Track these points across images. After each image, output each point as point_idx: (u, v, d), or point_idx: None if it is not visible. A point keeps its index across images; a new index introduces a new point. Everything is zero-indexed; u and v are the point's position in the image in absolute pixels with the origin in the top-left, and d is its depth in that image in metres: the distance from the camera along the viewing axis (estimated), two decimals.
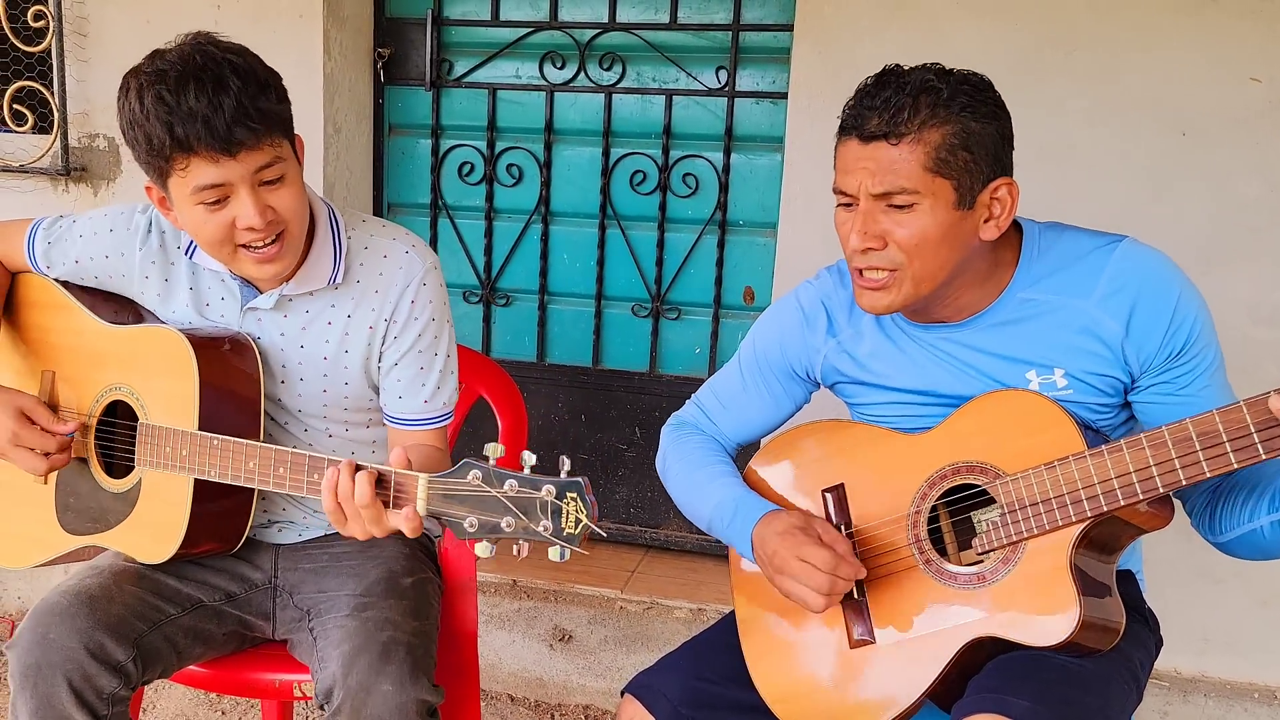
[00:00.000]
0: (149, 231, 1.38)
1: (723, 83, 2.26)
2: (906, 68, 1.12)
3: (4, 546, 1.48)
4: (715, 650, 1.31)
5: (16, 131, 2.41)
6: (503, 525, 1.03)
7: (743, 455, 1.40)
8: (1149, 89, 1.90)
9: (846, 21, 2.01)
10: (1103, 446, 1.07)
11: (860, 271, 1.15)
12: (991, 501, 1.17)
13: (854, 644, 1.20)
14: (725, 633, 1.33)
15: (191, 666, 1.39)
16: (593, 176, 2.37)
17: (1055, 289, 1.15)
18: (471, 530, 1.04)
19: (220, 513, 1.32)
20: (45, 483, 1.41)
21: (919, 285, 1.13)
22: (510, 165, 2.42)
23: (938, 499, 1.19)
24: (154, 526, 1.32)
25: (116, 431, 1.40)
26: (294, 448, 1.24)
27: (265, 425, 1.34)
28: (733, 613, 1.34)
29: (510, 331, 2.51)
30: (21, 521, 1.45)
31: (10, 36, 2.38)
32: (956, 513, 1.21)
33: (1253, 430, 0.98)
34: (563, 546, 1.01)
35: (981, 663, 1.15)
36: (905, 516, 1.20)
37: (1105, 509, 1.07)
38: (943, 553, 1.19)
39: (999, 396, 1.16)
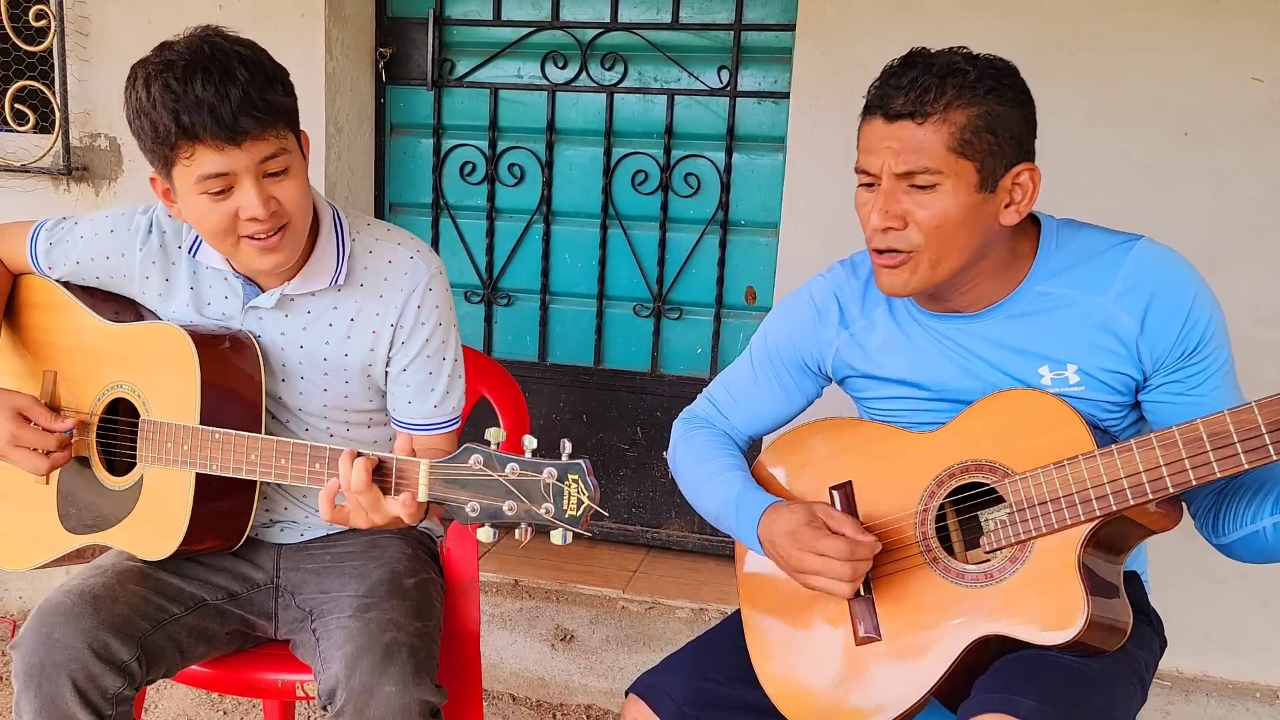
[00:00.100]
0: (149, 232, 1.38)
1: (724, 82, 2.25)
2: (933, 50, 1.12)
3: (5, 548, 1.48)
4: (720, 650, 1.31)
5: (18, 131, 2.41)
6: (504, 509, 1.03)
7: (751, 451, 1.40)
8: (1151, 89, 1.90)
9: (849, 21, 2.01)
10: (1112, 446, 1.07)
11: (879, 252, 1.15)
12: (999, 501, 1.17)
13: (859, 641, 1.20)
14: (730, 632, 1.33)
15: (194, 666, 1.39)
16: (594, 176, 2.37)
17: (1072, 284, 1.15)
18: (473, 515, 1.04)
19: (222, 509, 1.32)
20: (46, 483, 1.41)
21: (937, 267, 1.13)
22: (512, 165, 2.42)
23: (945, 497, 1.19)
24: (156, 523, 1.32)
25: (118, 429, 1.40)
26: None
27: (266, 423, 1.34)
28: (737, 612, 1.34)
29: (512, 331, 2.51)
30: (22, 522, 1.45)
31: (12, 36, 2.38)
32: (964, 512, 1.21)
33: (1264, 431, 0.98)
34: (565, 529, 1.01)
35: (987, 662, 1.15)
36: (913, 514, 1.20)
37: (1114, 508, 1.07)
38: (950, 551, 1.19)
39: (1008, 395, 1.16)
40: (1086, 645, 1.09)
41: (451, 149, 2.44)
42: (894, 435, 1.25)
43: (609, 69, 2.32)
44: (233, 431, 1.25)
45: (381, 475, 1.12)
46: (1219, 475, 1.01)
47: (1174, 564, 1.63)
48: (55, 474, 1.41)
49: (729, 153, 2.28)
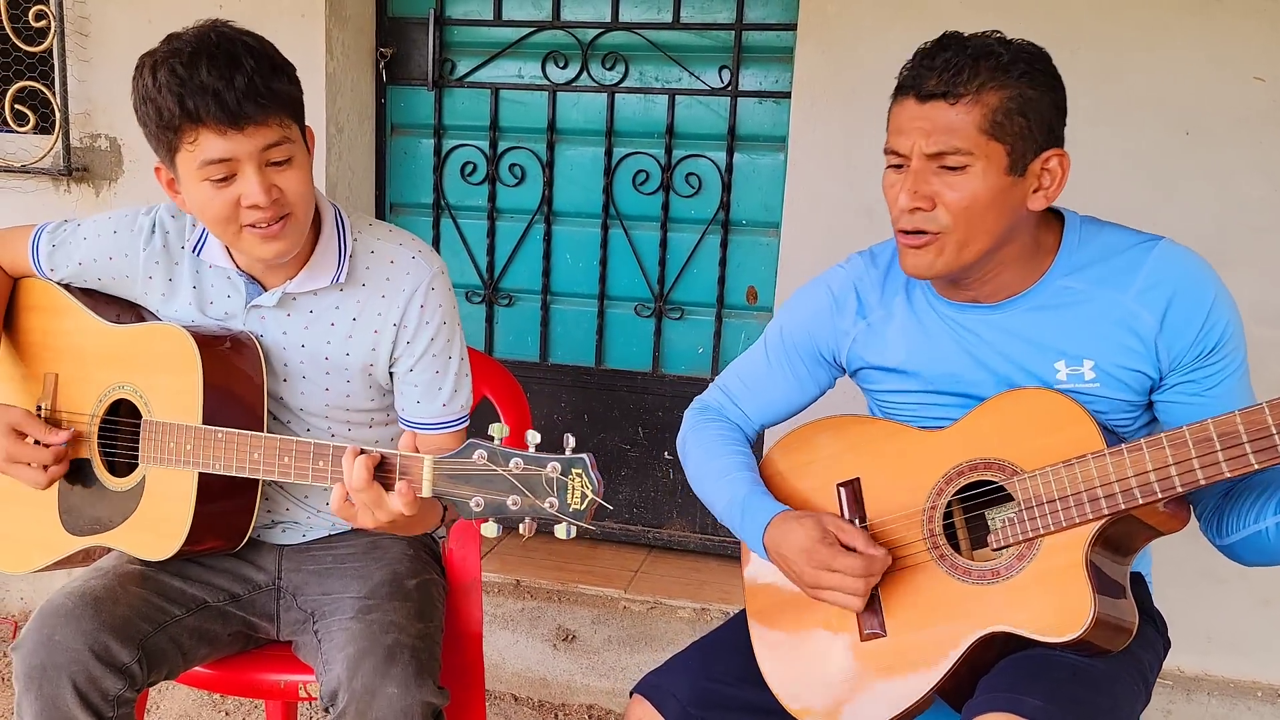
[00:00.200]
0: (152, 232, 1.38)
1: (726, 82, 2.25)
2: (966, 34, 1.12)
3: (6, 550, 1.48)
4: (725, 650, 1.31)
5: (18, 132, 2.41)
6: (508, 503, 1.03)
7: (759, 448, 1.40)
8: (1152, 88, 1.90)
9: (850, 21, 2.01)
10: (1122, 445, 1.07)
11: (905, 233, 1.15)
12: (1006, 500, 1.16)
13: (865, 637, 1.20)
14: (734, 632, 1.33)
15: (196, 667, 1.39)
16: (595, 176, 2.37)
17: (1094, 280, 1.15)
18: (477, 510, 1.05)
19: (224, 509, 1.32)
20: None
21: (964, 250, 1.13)
22: (513, 165, 2.41)
23: (953, 495, 1.19)
24: (158, 523, 1.32)
25: (119, 430, 1.40)
26: None
27: (268, 423, 1.34)
28: (742, 612, 1.34)
29: (513, 331, 2.51)
30: (23, 525, 1.44)
31: (11, 36, 2.37)
32: (972, 510, 1.21)
33: (1274, 432, 0.98)
34: (569, 523, 1.01)
35: (992, 660, 1.15)
36: (920, 511, 1.20)
37: (1123, 507, 1.07)
38: (956, 549, 1.19)
39: (1017, 394, 1.16)
40: (1092, 644, 1.09)
41: (452, 149, 2.44)
42: (902, 433, 1.25)
43: (610, 69, 2.31)
44: (236, 431, 1.25)
45: (385, 472, 1.12)
46: (1228, 475, 1.01)
47: (1176, 564, 1.63)
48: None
49: (730, 152, 2.28)
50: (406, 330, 1.34)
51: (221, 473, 1.25)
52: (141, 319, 1.41)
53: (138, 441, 1.34)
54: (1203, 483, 1.02)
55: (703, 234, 2.33)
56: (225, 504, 1.32)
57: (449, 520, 1.45)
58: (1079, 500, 1.09)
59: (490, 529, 1.04)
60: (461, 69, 2.41)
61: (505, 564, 2.34)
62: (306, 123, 1.28)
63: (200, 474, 1.28)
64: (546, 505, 1.02)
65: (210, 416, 1.27)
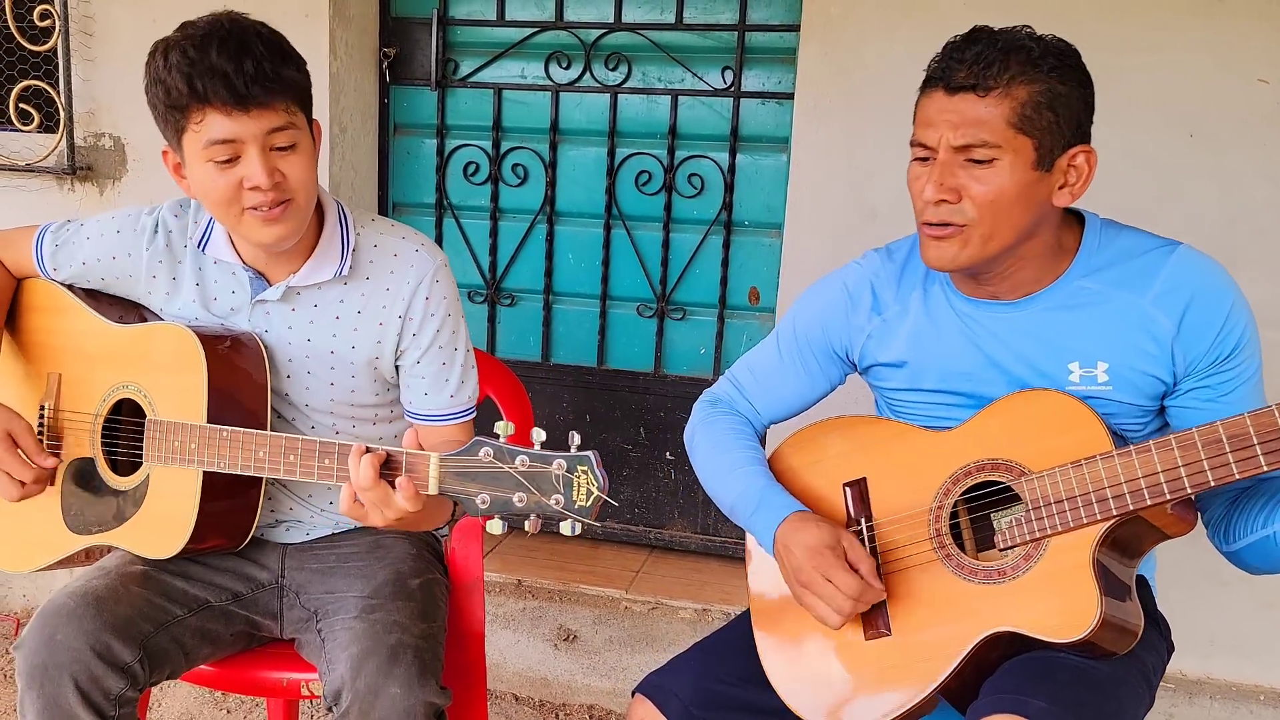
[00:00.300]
0: (155, 231, 1.38)
1: (728, 83, 2.25)
2: (996, 28, 1.12)
3: (8, 550, 1.48)
4: (728, 651, 1.31)
5: (22, 130, 2.41)
6: (515, 500, 1.04)
7: (769, 443, 1.40)
8: (1156, 90, 1.90)
9: (854, 22, 2.01)
10: (1130, 447, 1.07)
11: (929, 225, 1.14)
12: (1013, 502, 1.16)
13: (869, 636, 1.20)
14: (737, 633, 1.33)
15: (199, 666, 1.39)
16: (598, 176, 2.37)
17: (1112, 282, 1.15)
18: (484, 507, 1.05)
19: (228, 508, 1.32)
20: (53, 482, 1.41)
21: (988, 243, 1.12)
22: (515, 165, 2.42)
23: (961, 495, 1.19)
24: (162, 522, 1.32)
25: (123, 430, 1.40)
26: None
27: (272, 421, 1.34)
28: (745, 613, 1.34)
29: (515, 331, 2.51)
30: (26, 524, 1.44)
31: (16, 35, 2.38)
32: (980, 510, 1.21)
33: None
34: (574, 519, 1.02)
35: (997, 660, 1.15)
36: (927, 511, 1.20)
37: (1131, 508, 1.06)
38: (962, 549, 1.19)
39: (1027, 396, 1.16)
40: (1097, 646, 1.09)
41: (455, 149, 2.44)
42: (910, 433, 1.25)
43: (613, 69, 2.31)
44: (241, 429, 1.25)
45: (391, 470, 1.13)
46: (1238, 477, 1.01)
47: (1179, 566, 1.63)
48: (60, 476, 1.41)
49: (733, 153, 2.28)
50: (412, 323, 1.35)
51: (226, 471, 1.26)
52: (144, 319, 1.42)
53: (141, 441, 1.35)
54: (1212, 484, 1.02)
55: (705, 234, 2.33)
56: (229, 502, 1.32)
57: (458, 516, 1.46)
58: (1087, 501, 1.09)
59: (496, 526, 1.05)
60: (464, 69, 2.41)
61: (507, 564, 2.34)
62: (315, 109, 1.29)
63: (205, 472, 1.28)
64: (552, 502, 1.02)
65: (215, 415, 1.28)
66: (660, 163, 2.32)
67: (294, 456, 1.21)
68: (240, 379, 1.31)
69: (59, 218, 1.47)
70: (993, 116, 1.08)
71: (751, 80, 2.26)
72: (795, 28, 2.15)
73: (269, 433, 1.24)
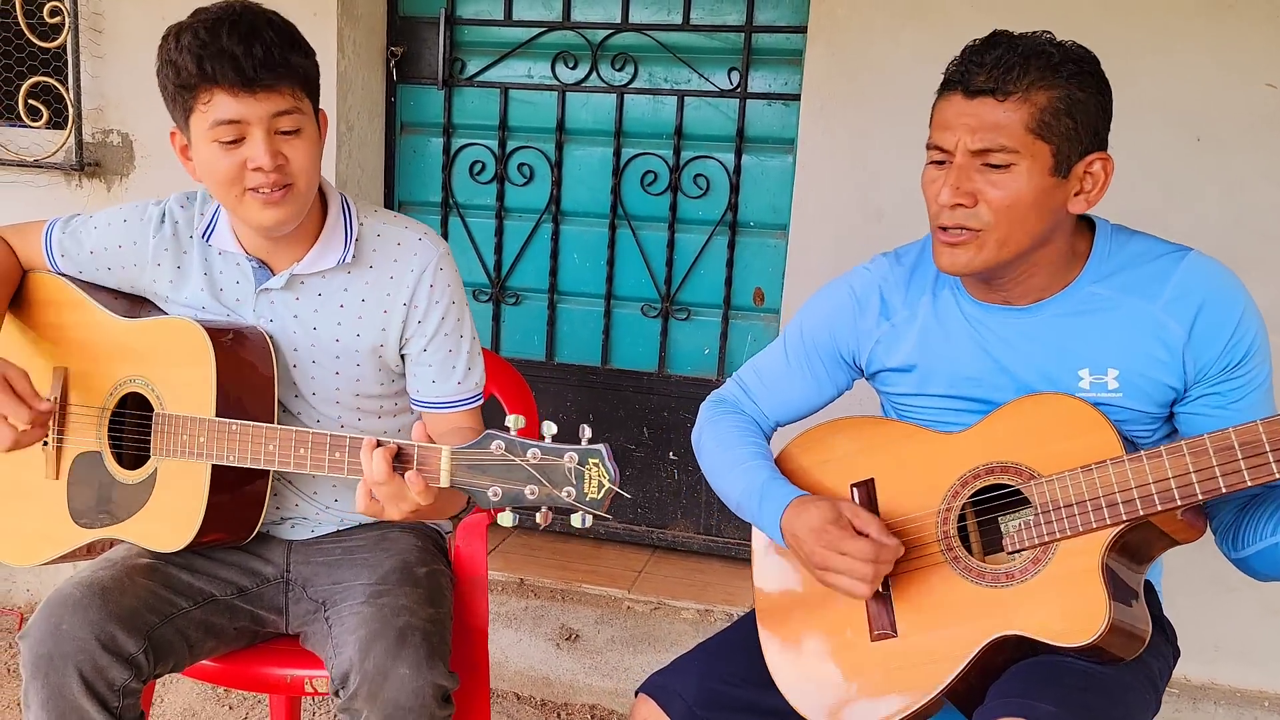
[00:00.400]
0: (162, 221, 1.40)
1: (734, 84, 2.26)
2: (1016, 32, 1.12)
3: (13, 544, 1.48)
4: (731, 651, 1.30)
5: (31, 127, 2.43)
6: (526, 493, 1.04)
7: (775, 446, 1.40)
8: (1163, 94, 1.90)
9: (860, 23, 2.01)
10: (1141, 452, 1.07)
11: (944, 229, 1.14)
12: (1021, 505, 1.16)
13: (875, 638, 1.20)
14: (741, 633, 1.33)
15: (203, 661, 1.39)
16: (604, 176, 2.37)
17: (1123, 288, 1.15)
18: (495, 499, 1.06)
19: (236, 501, 1.32)
20: (56, 477, 1.41)
21: (1002, 249, 1.12)
22: (521, 164, 2.42)
23: (969, 498, 1.19)
24: (170, 515, 1.33)
25: (131, 423, 1.41)
26: None
27: (278, 415, 1.34)
28: (750, 614, 1.34)
29: (520, 330, 2.51)
30: (31, 518, 1.45)
31: (26, 32, 2.39)
32: (986, 513, 1.20)
33: None
34: (585, 512, 1.03)
35: (1003, 664, 1.15)
36: (935, 513, 1.19)
37: (1141, 513, 1.06)
38: (970, 552, 1.19)
39: (1036, 399, 1.16)
40: (1105, 651, 1.09)
41: (461, 148, 2.45)
42: (919, 434, 1.25)
43: (619, 69, 2.32)
44: (250, 423, 1.25)
45: (403, 463, 1.13)
46: (1250, 484, 1.01)
47: (1184, 571, 1.63)
48: (65, 469, 1.42)
49: (738, 154, 2.28)
50: (417, 310, 1.36)
51: (236, 464, 1.26)
52: (151, 314, 1.42)
53: (147, 434, 1.35)
54: (1224, 491, 1.02)
55: (710, 235, 2.33)
56: (237, 496, 1.32)
57: (471, 507, 1.46)
58: (1096, 506, 1.08)
59: (507, 518, 1.06)
60: (471, 68, 2.41)
61: (509, 562, 2.34)
62: (321, 106, 1.31)
63: (213, 466, 1.28)
64: (564, 494, 1.03)
65: (223, 409, 1.28)
66: (666, 163, 2.32)
67: (304, 450, 1.21)
68: (248, 373, 1.32)
69: (67, 213, 1.48)
70: (1011, 121, 1.07)
71: (757, 81, 2.26)
72: (802, 29, 2.15)
73: (279, 426, 1.24)
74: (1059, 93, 1.08)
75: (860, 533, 1.16)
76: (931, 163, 1.15)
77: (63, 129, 2.41)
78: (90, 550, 1.44)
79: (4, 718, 2.16)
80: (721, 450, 1.34)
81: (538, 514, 1.05)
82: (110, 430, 1.40)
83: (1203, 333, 1.11)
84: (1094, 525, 1.08)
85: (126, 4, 2.34)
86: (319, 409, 1.41)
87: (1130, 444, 1.13)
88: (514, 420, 1.06)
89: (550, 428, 1.04)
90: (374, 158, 2.47)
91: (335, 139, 2.30)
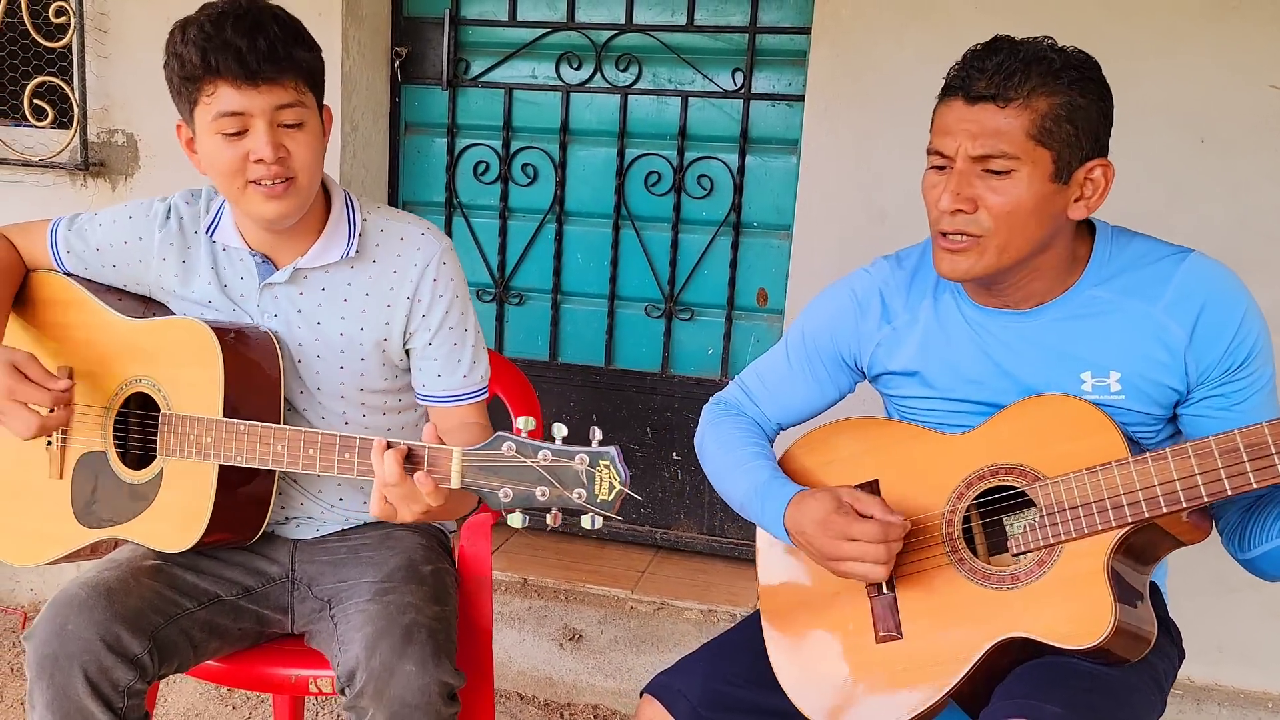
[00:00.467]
0: (167, 217, 1.41)
1: (739, 85, 2.26)
2: (1017, 38, 1.12)
3: (16, 544, 1.48)
4: (736, 651, 1.30)
5: (36, 126, 2.43)
6: (537, 494, 1.05)
7: (777, 449, 1.40)
8: (1167, 95, 1.89)
9: (864, 25, 2.01)
10: (1146, 454, 1.07)
11: (944, 234, 1.14)
12: (1025, 506, 1.16)
13: (880, 639, 1.20)
14: (746, 634, 1.33)
15: (207, 661, 1.40)
16: (607, 177, 2.37)
17: (1124, 290, 1.15)
18: (505, 501, 1.07)
19: (242, 501, 1.33)
20: (60, 477, 1.42)
21: (1002, 255, 1.12)
22: (525, 165, 2.42)
23: (974, 499, 1.19)
24: (176, 516, 1.33)
25: (134, 423, 1.41)
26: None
27: (283, 411, 1.35)
28: (754, 614, 1.34)
29: (523, 330, 2.52)
30: (35, 518, 1.45)
31: (32, 32, 2.40)
32: (990, 515, 1.20)
33: None
34: (595, 513, 1.03)
35: (1008, 666, 1.15)
36: (940, 514, 1.19)
37: (1147, 515, 1.06)
38: (975, 553, 1.19)
39: (1041, 400, 1.16)
40: (1110, 653, 1.09)
41: (465, 148, 2.45)
42: (923, 436, 1.25)
43: (623, 70, 2.32)
44: (258, 424, 1.26)
45: (414, 465, 1.13)
46: (1255, 486, 1.01)
47: (1187, 572, 1.63)
48: (69, 469, 1.42)
49: (742, 155, 2.28)
50: (421, 304, 1.37)
51: (244, 465, 1.26)
52: (157, 314, 1.43)
53: (152, 434, 1.35)
54: (1229, 493, 1.02)
55: (714, 235, 2.33)
56: (243, 496, 1.33)
57: (480, 506, 1.47)
58: (1102, 508, 1.08)
59: (516, 519, 1.06)
60: (476, 69, 2.42)
61: (513, 562, 2.35)
62: (325, 103, 1.32)
63: (220, 466, 1.28)
64: (575, 496, 1.04)
65: (230, 409, 1.29)
66: (670, 164, 2.32)
67: (313, 450, 1.21)
68: (255, 373, 1.32)
69: (71, 212, 1.48)
70: (1012, 128, 1.07)
71: (762, 82, 2.26)
72: (806, 30, 2.15)
73: (287, 427, 1.25)
74: (1060, 99, 1.08)
75: (864, 515, 1.16)
76: (932, 168, 1.15)
77: (68, 129, 2.42)
78: (94, 550, 1.44)
79: (8, 718, 2.16)
80: (724, 453, 1.34)
81: (548, 515, 1.05)
82: (115, 430, 1.40)
83: (1204, 335, 1.11)
84: (1099, 527, 1.08)
85: (132, 4, 2.35)
86: (324, 404, 1.41)
87: (1135, 445, 1.13)
88: (524, 422, 1.07)
89: (561, 430, 1.05)
90: (378, 158, 2.47)
91: (339, 139, 2.30)
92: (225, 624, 1.38)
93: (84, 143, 2.40)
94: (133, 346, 1.39)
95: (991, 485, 1.17)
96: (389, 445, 1.13)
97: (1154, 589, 1.27)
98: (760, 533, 1.35)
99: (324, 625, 1.36)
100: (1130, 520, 1.07)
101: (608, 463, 1.03)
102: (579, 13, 2.33)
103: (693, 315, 2.39)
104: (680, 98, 2.29)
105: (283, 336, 1.37)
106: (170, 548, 1.33)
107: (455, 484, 1.11)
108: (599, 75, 2.33)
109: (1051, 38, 1.13)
